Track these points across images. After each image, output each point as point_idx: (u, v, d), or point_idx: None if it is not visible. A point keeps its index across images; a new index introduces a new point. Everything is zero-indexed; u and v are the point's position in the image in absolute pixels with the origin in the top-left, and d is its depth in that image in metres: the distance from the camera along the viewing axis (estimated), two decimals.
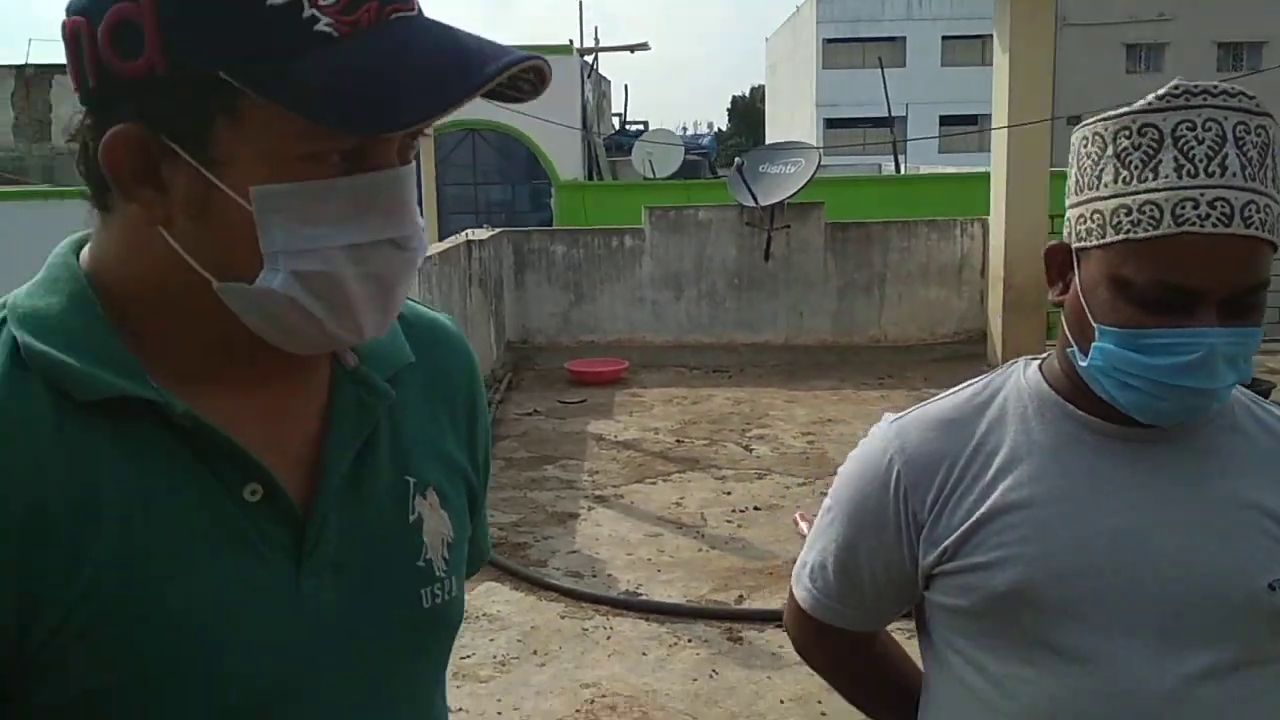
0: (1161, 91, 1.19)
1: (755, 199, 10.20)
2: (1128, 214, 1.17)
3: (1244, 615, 1.21)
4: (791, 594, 1.49)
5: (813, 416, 8.52)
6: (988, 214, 10.36)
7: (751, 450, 7.68)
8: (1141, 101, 1.20)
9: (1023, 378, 1.34)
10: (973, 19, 41.76)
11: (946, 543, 1.28)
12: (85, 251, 0.92)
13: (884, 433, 1.37)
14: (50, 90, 24.58)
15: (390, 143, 0.85)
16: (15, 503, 0.80)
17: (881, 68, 24.05)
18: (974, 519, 1.27)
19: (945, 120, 41.10)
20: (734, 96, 74.90)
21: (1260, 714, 1.23)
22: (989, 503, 1.27)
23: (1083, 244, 1.23)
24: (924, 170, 21.38)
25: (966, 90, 39.84)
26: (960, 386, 1.39)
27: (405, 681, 0.98)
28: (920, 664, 1.45)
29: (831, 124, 43.17)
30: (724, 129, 68.51)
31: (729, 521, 6.17)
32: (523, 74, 0.84)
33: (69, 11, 0.84)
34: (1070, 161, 1.28)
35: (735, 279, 10.59)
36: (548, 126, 15.69)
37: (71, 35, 0.84)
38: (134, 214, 0.86)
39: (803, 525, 5.99)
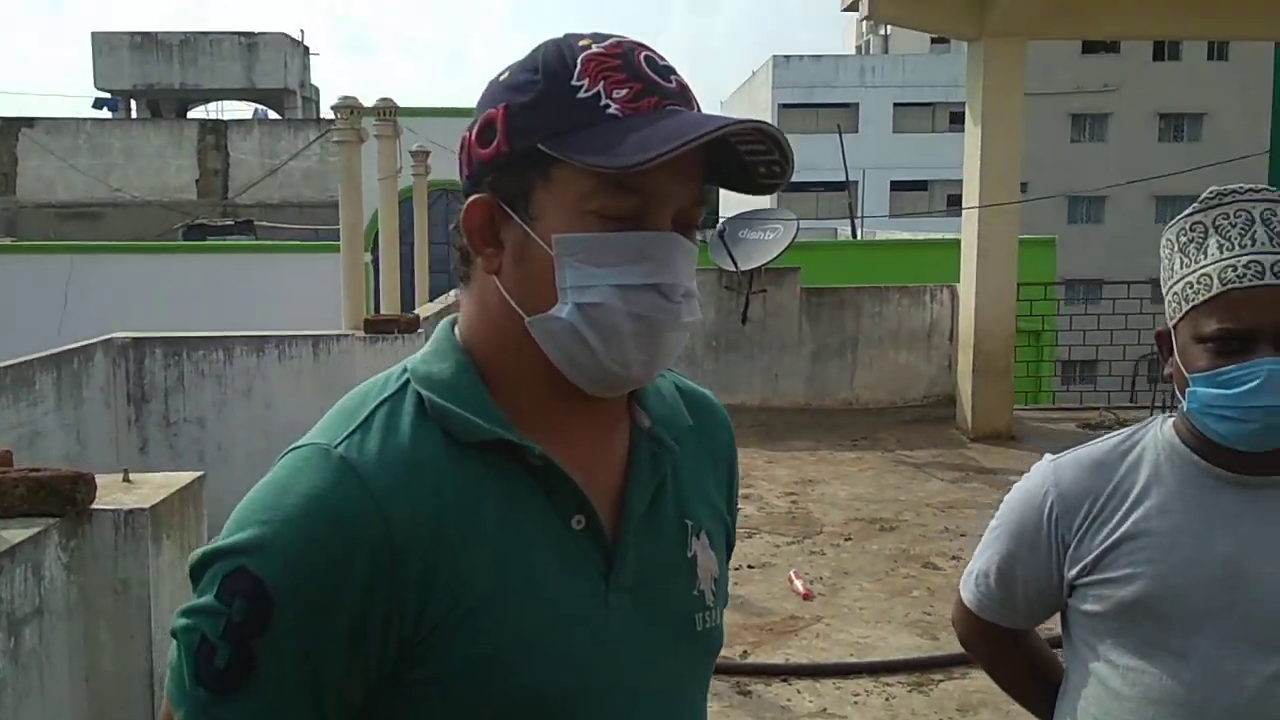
0: (1203, 196, 1.58)
1: (735, 264, 10.51)
2: (1191, 287, 1.54)
3: None
4: (959, 596, 1.84)
5: (794, 477, 8.75)
6: (955, 280, 10.75)
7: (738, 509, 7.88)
8: (1190, 208, 1.58)
9: (1159, 431, 1.66)
10: (922, 86, 42.92)
11: (1086, 560, 1.61)
12: (457, 326, 1.17)
13: (1043, 470, 1.70)
14: (16, 143, 24.65)
15: (664, 210, 1.07)
16: (422, 523, 1.04)
17: (840, 133, 24.65)
18: (1110, 542, 1.60)
19: (896, 185, 42.05)
20: None
21: None
22: (1122, 530, 1.59)
23: (1172, 321, 1.59)
24: (880, 236, 21.93)
25: (916, 156, 40.85)
26: (1109, 436, 1.72)
27: (681, 690, 1.19)
28: (1061, 660, 1.78)
29: (787, 187, 43.86)
30: None
31: None
32: (767, 153, 1.08)
33: (466, 131, 1.13)
34: (1160, 266, 1.63)
35: (713, 341, 10.87)
36: None
37: (462, 145, 1.13)
38: (479, 272, 1.12)
39: (797, 583, 6.20)
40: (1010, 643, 1.83)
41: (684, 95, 1.09)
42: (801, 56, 46.55)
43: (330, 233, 20.87)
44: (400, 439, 1.06)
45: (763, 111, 46.62)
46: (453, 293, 10.29)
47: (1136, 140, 38.94)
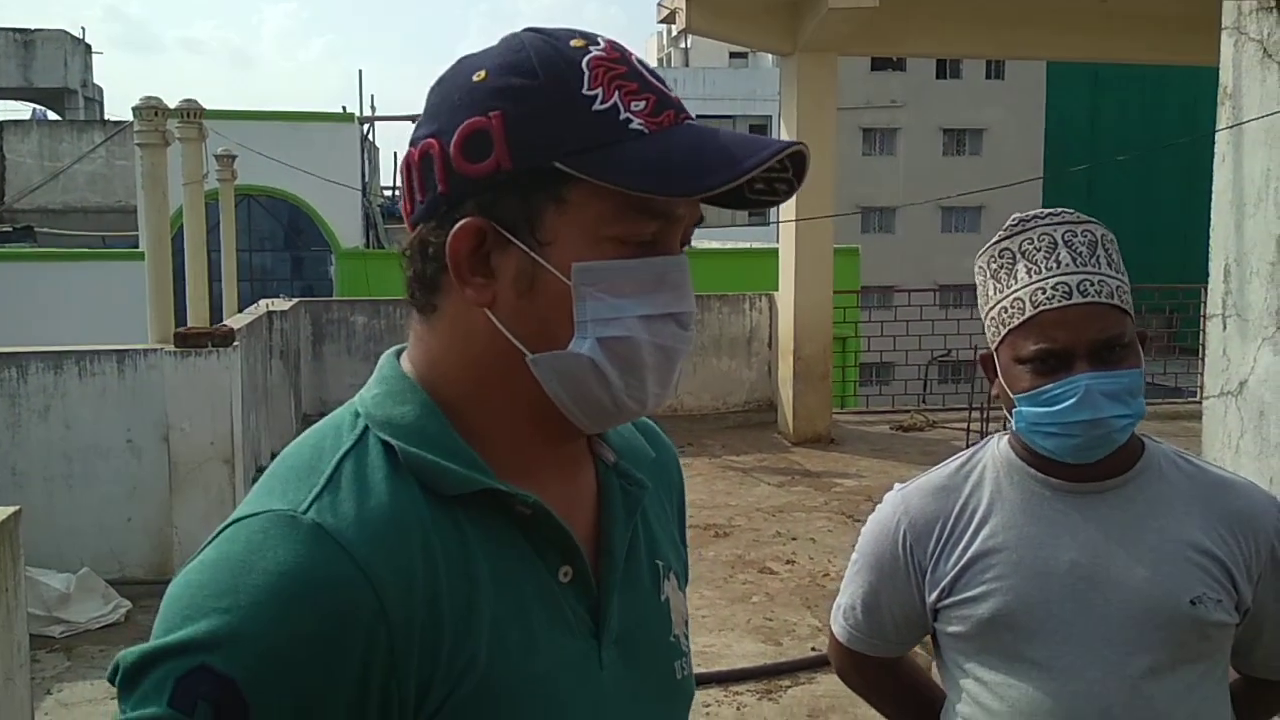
0: (1007, 224, 1.63)
1: None
2: (1006, 312, 1.59)
3: (1172, 626, 1.54)
4: (831, 630, 1.85)
5: None
6: (773, 288, 10.95)
7: None
8: (996, 235, 1.64)
9: (996, 449, 1.69)
10: (722, 99, 43.87)
11: (944, 583, 1.64)
12: (405, 360, 1.03)
13: (893, 500, 1.73)
14: None
15: (677, 233, 0.98)
16: (417, 595, 0.89)
17: None
18: (962, 563, 1.62)
19: None
20: None
21: (1193, 702, 1.56)
22: (972, 549, 1.62)
23: (993, 344, 1.64)
24: (696, 245, 22.26)
25: None
26: (953, 458, 1.74)
27: None
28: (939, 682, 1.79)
29: None
30: None
31: None
32: (780, 169, 0.98)
33: (418, 138, 0.98)
34: (977, 293, 1.68)
35: None
36: (327, 195, 15.43)
37: (421, 154, 0.97)
38: (460, 304, 0.97)
39: None
40: (886, 672, 1.84)
41: (683, 105, 1.00)
42: None
43: (119, 240, 19.83)
44: (378, 498, 0.92)
45: None
46: (263, 303, 9.82)
47: (923, 154, 40.72)
